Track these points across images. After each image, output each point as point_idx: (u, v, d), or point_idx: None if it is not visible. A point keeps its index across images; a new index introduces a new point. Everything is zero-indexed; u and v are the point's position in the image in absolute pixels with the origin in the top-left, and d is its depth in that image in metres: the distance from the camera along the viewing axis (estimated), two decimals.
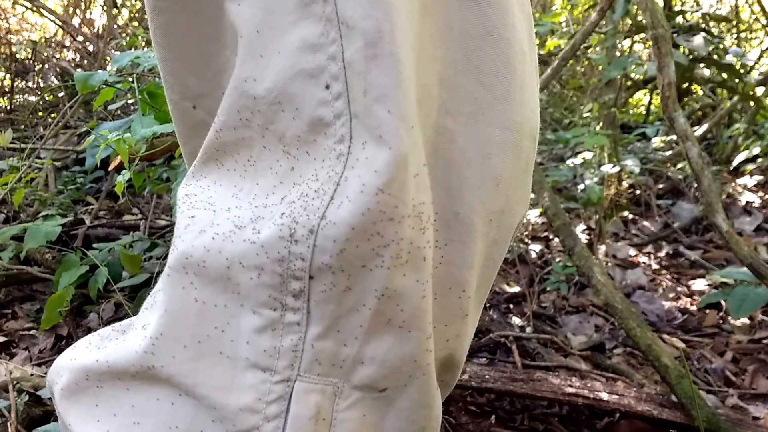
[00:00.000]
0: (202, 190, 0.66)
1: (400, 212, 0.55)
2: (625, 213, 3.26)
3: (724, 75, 3.39)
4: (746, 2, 4.57)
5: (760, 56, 3.92)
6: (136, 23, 4.96)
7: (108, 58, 4.03)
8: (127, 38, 4.14)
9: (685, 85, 3.63)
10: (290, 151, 0.59)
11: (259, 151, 0.62)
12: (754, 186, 3.42)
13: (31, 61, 4.56)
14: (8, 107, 4.35)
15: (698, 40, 2.80)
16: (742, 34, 4.68)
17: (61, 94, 4.10)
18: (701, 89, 4.14)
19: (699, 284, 2.54)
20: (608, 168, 2.86)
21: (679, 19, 3.18)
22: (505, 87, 0.64)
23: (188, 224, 0.64)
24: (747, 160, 3.56)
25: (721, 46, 3.35)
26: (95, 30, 4.97)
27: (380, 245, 0.56)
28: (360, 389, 0.62)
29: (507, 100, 0.64)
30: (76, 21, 5.03)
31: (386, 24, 0.53)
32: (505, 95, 0.64)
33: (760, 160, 3.57)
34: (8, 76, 4.50)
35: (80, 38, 4.83)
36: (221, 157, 0.65)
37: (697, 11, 3.22)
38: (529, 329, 2.07)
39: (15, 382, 1.53)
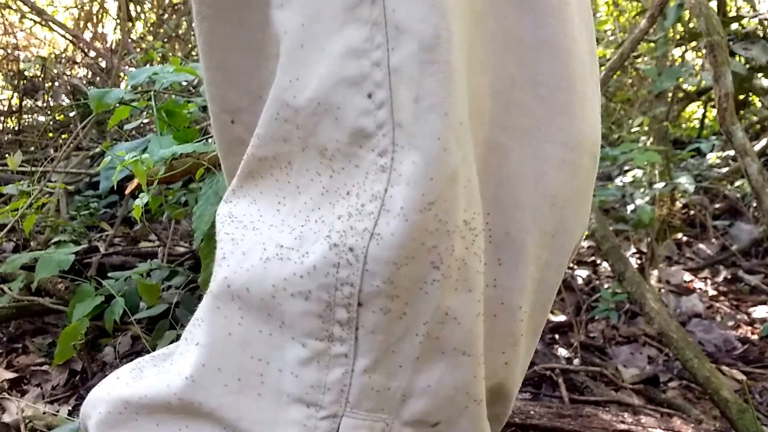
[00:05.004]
0: (245, 207, 0.66)
1: (450, 226, 0.55)
2: (679, 235, 3.24)
3: None
4: None
5: None
6: (151, 37, 5.02)
7: (122, 75, 4.08)
8: (143, 53, 4.18)
9: (743, 96, 3.60)
10: (332, 164, 0.59)
11: (299, 164, 0.62)
12: None
13: (41, 79, 4.61)
14: (17, 128, 4.41)
15: (757, 48, 2.79)
16: None
17: (72, 114, 4.14)
18: (760, 101, 4.11)
19: (760, 311, 2.51)
20: (660, 186, 2.84)
21: (735, 26, 3.16)
22: (565, 100, 0.64)
23: (232, 249, 0.64)
24: None
25: None
26: (108, 45, 5.03)
27: (432, 263, 0.55)
28: (411, 425, 0.62)
29: (566, 115, 0.64)
30: (87, 35, 5.10)
31: (444, 30, 0.53)
32: (564, 109, 0.64)
33: None
34: (16, 94, 4.55)
35: (92, 54, 4.89)
36: (262, 171, 0.65)
37: (754, 17, 3.20)
38: (576, 361, 2.06)
39: (27, 420, 1.55)
